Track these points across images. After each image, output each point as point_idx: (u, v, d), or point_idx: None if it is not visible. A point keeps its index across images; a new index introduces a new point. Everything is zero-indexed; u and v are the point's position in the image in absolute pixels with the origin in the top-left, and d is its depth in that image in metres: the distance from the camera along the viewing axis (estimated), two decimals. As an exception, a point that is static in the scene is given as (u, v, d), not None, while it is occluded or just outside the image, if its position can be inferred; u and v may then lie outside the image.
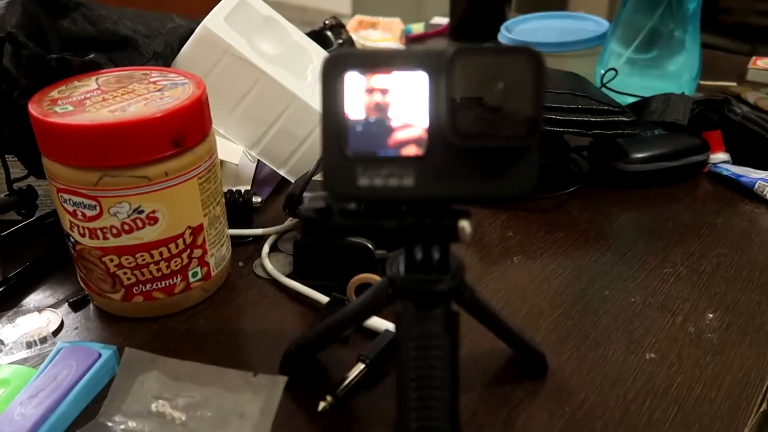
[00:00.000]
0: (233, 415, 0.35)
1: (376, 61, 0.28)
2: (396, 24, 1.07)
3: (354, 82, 0.28)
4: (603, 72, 0.73)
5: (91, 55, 0.45)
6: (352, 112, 0.28)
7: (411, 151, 0.28)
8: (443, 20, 1.15)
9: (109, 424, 0.35)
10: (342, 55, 0.28)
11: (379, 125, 0.28)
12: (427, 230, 0.30)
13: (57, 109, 0.38)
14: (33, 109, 0.38)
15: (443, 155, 0.28)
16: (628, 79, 0.73)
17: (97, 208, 0.39)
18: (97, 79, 0.43)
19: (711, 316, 0.45)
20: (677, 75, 0.73)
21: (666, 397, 0.39)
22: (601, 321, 0.45)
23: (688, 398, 0.38)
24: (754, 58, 0.92)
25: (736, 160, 0.65)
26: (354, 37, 0.99)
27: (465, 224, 0.30)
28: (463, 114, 0.27)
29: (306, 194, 0.32)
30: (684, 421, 0.37)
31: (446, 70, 0.27)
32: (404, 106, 0.28)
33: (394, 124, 0.28)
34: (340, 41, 0.86)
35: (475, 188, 0.28)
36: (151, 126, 0.38)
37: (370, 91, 0.28)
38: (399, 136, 0.28)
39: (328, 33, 0.87)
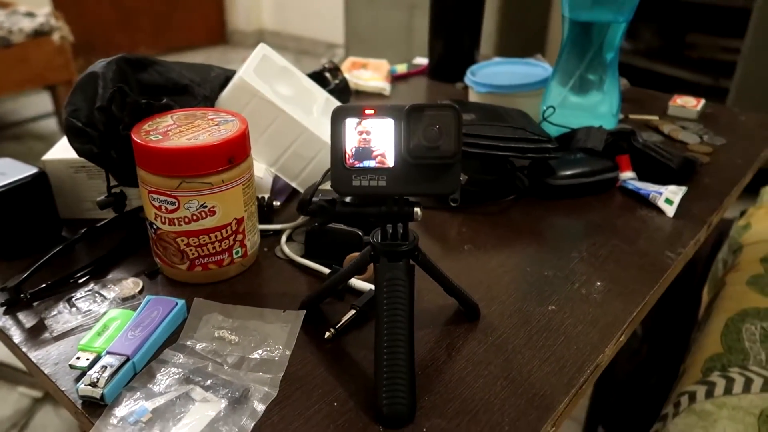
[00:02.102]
0: (270, 337, 0.54)
1: (362, 112, 0.47)
2: (383, 65, 1.27)
3: (350, 125, 0.47)
4: (545, 108, 0.93)
5: (164, 100, 0.64)
6: (349, 142, 0.47)
7: (383, 164, 0.47)
8: (423, 61, 1.36)
9: (188, 344, 0.54)
10: (344, 108, 0.47)
11: (365, 150, 0.47)
12: (394, 214, 0.49)
13: (151, 137, 0.57)
14: (135, 137, 0.57)
15: (403, 167, 0.47)
16: (565, 114, 0.93)
17: (176, 203, 0.58)
18: (172, 116, 0.62)
19: (599, 284, 0.64)
20: (601, 112, 0.93)
21: (558, 331, 0.57)
22: (521, 287, 0.64)
23: (572, 333, 0.57)
24: (674, 96, 1.13)
25: (641, 177, 0.85)
26: (348, 76, 1.19)
27: (417, 210, 0.49)
28: (415, 144, 0.47)
29: (321, 188, 0.51)
30: (567, 345, 0.56)
31: (404, 119, 0.46)
32: (380, 139, 0.47)
33: (373, 149, 0.47)
34: (337, 81, 1.06)
35: (422, 188, 0.47)
36: (214, 150, 0.57)
37: (360, 131, 0.47)
38: (376, 156, 0.47)
39: (327, 74, 1.07)
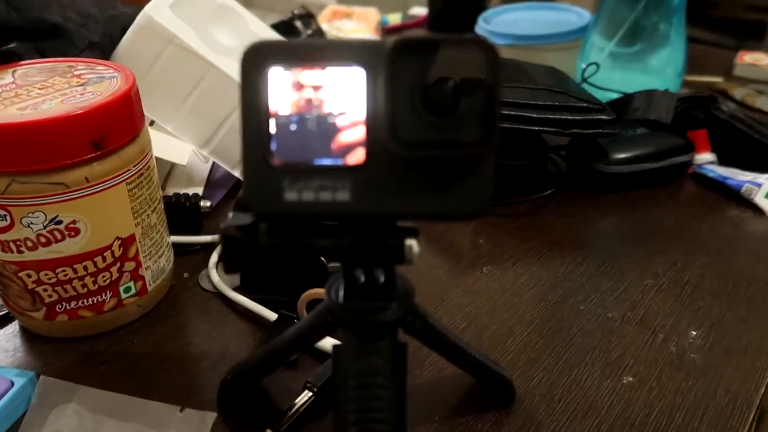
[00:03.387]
0: (156, 456, 0.31)
1: (305, 54, 0.23)
2: (372, 14, 1.02)
3: (279, 80, 0.23)
4: (584, 66, 0.69)
5: (13, 44, 0.40)
6: (276, 115, 0.24)
7: (347, 160, 0.24)
8: (422, 11, 1.11)
9: (15, 466, 0.31)
10: (265, 47, 0.23)
11: (309, 130, 0.24)
12: (368, 250, 0.26)
13: (-40, 106, 0.34)
14: (-68, 105, 0.34)
15: (384, 165, 0.24)
16: (611, 73, 0.69)
17: (8, 218, 0.34)
18: (14, 71, 0.38)
19: (694, 333, 0.42)
20: (661, 70, 0.69)
21: (644, 427, 0.35)
22: (575, 340, 0.41)
23: (668, 428, 0.35)
24: (741, 52, 0.89)
25: (722, 161, 0.62)
26: (327, 27, 0.94)
27: (412, 243, 0.26)
28: (406, 118, 0.23)
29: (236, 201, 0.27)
30: (663, 456, 0.33)
31: (386, 66, 0.23)
32: (337, 107, 0.24)
33: (326, 129, 0.24)
34: (310, 32, 0.81)
35: (419, 204, 0.24)
36: (66, 126, 0.33)
37: (298, 88, 0.23)
38: (332, 142, 0.24)
39: (297, 23, 0.83)
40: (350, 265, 0.27)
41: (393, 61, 0.23)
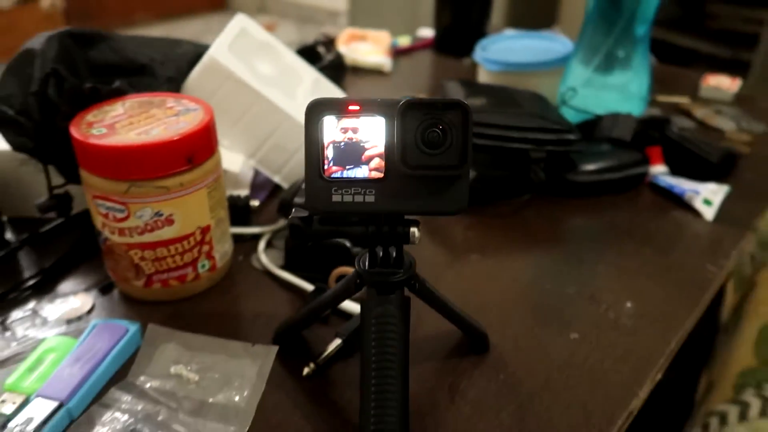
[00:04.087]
0: (236, 377, 0.45)
1: (346, 108, 0.37)
2: (384, 37, 1.15)
3: (329, 124, 0.37)
4: (564, 90, 0.82)
5: (117, 83, 0.54)
6: (327, 146, 0.37)
7: (372, 176, 0.37)
8: (429, 33, 1.24)
9: (137, 382, 0.45)
10: (321, 103, 0.37)
11: (348, 156, 0.37)
12: (385, 235, 0.39)
13: (93, 131, 0.47)
14: (74, 131, 0.47)
15: (396, 179, 0.37)
16: (587, 96, 0.82)
17: (125, 211, 0.48)
18: (123, 104, 0.52)
19: (629, 305, 0.55)
20: (629, 94, 0.82)
21: (582, 369, 0.48)
22: (538, 308, 0.54)
23: (599, 370, 0.48)
24: (706, 75, 1.02)
25: (673, 172, 0.75)
26: (345, 49, 1.08)
27: (415, 230, 0.39)
28: (411, 150, 0.36)
29: (296, 200, 0.41)
30: (594, 387, 0.46)
31: (398, 118, 0.36)
32: (367, 142, 0.37)
33: (359, 155, 0.37)
34: (331, 56, 0.95)
35: (420, 205, 0.37)
36: (169, 147, 0.47)
37: (342, 129, 0.37)
38: (363, 164, 0.37)
39: (320, 49, 0.96)
40: (373, 245, 0.40)
41: (402, 114, 0.36)
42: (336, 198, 0.37)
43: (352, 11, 3.20)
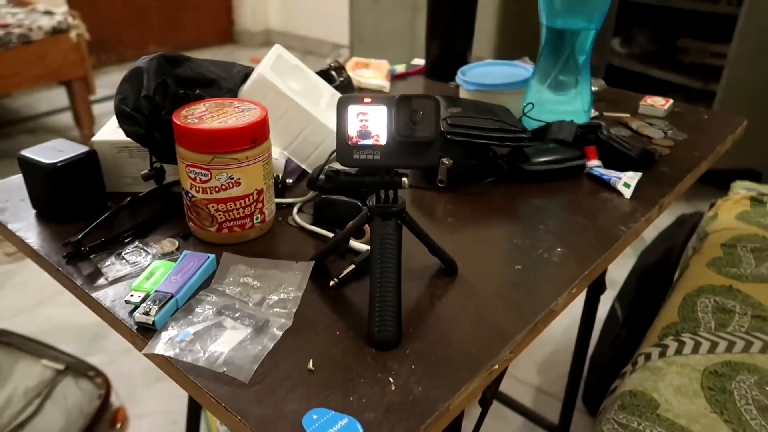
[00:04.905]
0: (285, 282, 0.66)
1: (362, 101, 0.60)
2: (384, 65, 1.40)
3: (352, 111, 0.59)
4: (525, 105, 1.06)
5: (197, 91, 0.77)
6: (351, 125, 0.60)
7: (377, 142, 0.60)
8: (421, 61, 1.49)
9: (219, 288, 0.66)
10: (348, 97, 0.60)
11: (364, 130, 0.60)
12: (386, 182, 0.62)
13: (189, 121, 0.70)
14: (176, 120, 0.70)
15: (393, 145, 0.60)
16: (543, 109, 1.06)
17: (209, 175, 0.70)
18: (204, 105, 0.75)
19: (559, 250, 0.77)
20: (574, 108, 1.06)
21: (521, 285, 0.70)
22: (495, 252, 0.76)
23: (533, 286, 0.70)
24: (645, 96, 1.26)
25: (605, 165, 0.97)
26: (352, 74, 1.32)
27: (405, 180, 0.62)
28: (402, 126, 0.59)
29: (327, 167, 0.63)
30: (528, 295, 0.68)
31: (395, 106, 0.59)
32: (376, 122, 0.59)
33: (370, 130, 0.60)
34: (341, 79, 1.18)
35: (408, 161, 0.60)
36: (240, 132, 0.69)
37: (359, 114, 0.60)
38: (372, 135, 0.60)
39: (333, 72, 1.20)
40: (378, 189, 0.63)
41: (397, 105, 0.59)
42: (356, 156, 0.60)
43: (353, 44, 3.49)
